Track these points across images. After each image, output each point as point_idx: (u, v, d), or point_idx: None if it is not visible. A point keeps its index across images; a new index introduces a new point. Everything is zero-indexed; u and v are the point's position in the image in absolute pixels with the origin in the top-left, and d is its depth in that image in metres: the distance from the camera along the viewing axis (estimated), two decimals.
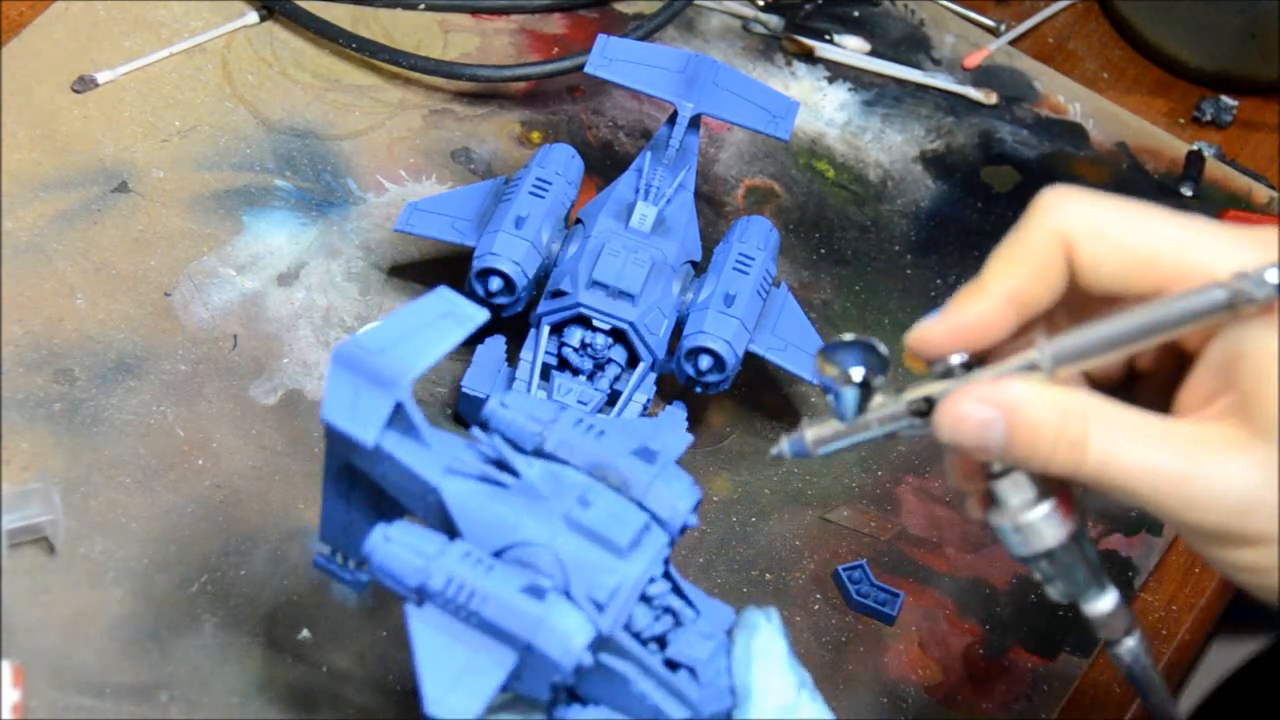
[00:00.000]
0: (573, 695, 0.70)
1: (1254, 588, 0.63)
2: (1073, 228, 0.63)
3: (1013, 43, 1.08)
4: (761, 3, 1.06)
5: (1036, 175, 1.02)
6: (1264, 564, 0.61)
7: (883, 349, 0.64)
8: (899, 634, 0.86)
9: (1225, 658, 1.18)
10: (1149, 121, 1.06)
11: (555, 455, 0.70)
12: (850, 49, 1.06)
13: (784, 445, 0.67)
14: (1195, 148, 1.05)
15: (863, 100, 1.04)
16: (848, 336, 0.64)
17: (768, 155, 1.01)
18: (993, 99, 1.05)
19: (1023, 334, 0.64)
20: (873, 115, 1.03)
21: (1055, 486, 0.64)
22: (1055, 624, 0.87)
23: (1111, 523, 0.90)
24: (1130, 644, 0.66)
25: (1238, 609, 0.95)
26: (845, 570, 0.86)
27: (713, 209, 0.98)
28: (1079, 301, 0.64)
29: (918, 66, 1.06)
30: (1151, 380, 0.67)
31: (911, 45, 1.07)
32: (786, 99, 0.91)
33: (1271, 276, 0.59)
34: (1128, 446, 0.61)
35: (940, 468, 0.91)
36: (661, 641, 0.70)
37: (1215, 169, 1.05)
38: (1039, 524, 0.64)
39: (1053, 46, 1.10)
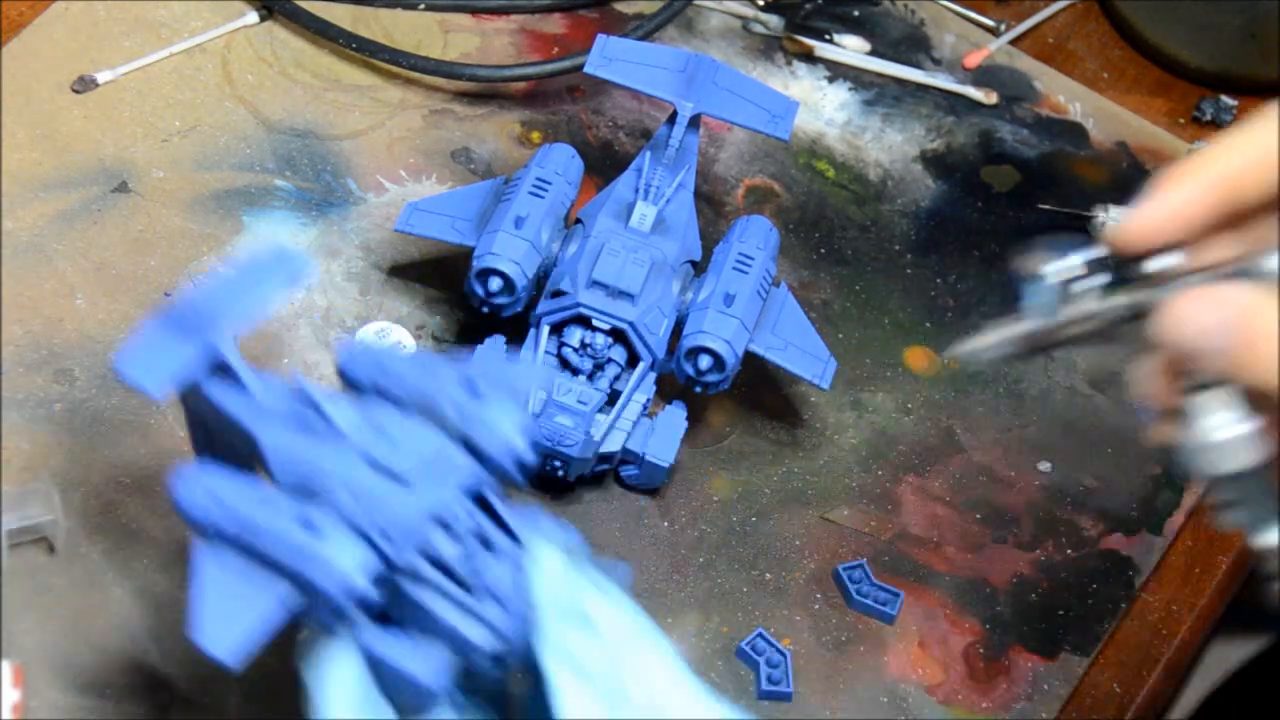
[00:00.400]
0: (387, 620, 0.70)
1: None
2: None
3: (1013, 43, 1.08)
4: (761, 3, 1.06)
5: (1036, 175, 1.02)
6: None
7: (1107, 252, 0.61)
8: (899, 634, 0.86)
9: (1225, 658, 1.18)
10: (1149, 121, 1.06)
11: (388, 391, 0.72)
12: (850, 49, 1.06)
13: (965, 347, 0.64)
14: (1195, 147, 1.05)
15: (863, 100, 1.04)
16: (1055, 236, 0.62)
17: (768, 155, 1.01)
18: (993, 99, 1.05)
19: (1225, 231, 0.61)
20: (873, 115, 1.03)
21: (1263, 410, 0.61)
22: (1055, 624, 0.87)
23: (1111, 522, 0.90)
24: None
25: (1238, 609, 0.95)
26: (845, 570, 0.86)
27: (713, 209, 0.98)
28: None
29: (918, 66, 1.06)
30: None
31: (911, 45, 1.07)
32: (786, 99, 0.91)
33: None
34: None
35: (940, 467, 0.91)
36: (472, 570, 0.70)
37: None
38: (1236, 443, 0.61)
39: (1053, 46, 1.10)
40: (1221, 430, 0.61)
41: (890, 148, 1.02)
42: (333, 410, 0.70)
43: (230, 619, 0.66)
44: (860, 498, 0.89)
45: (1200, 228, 0.61)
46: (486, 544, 0.70)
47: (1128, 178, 1.03)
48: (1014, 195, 1.01)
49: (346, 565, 0.67)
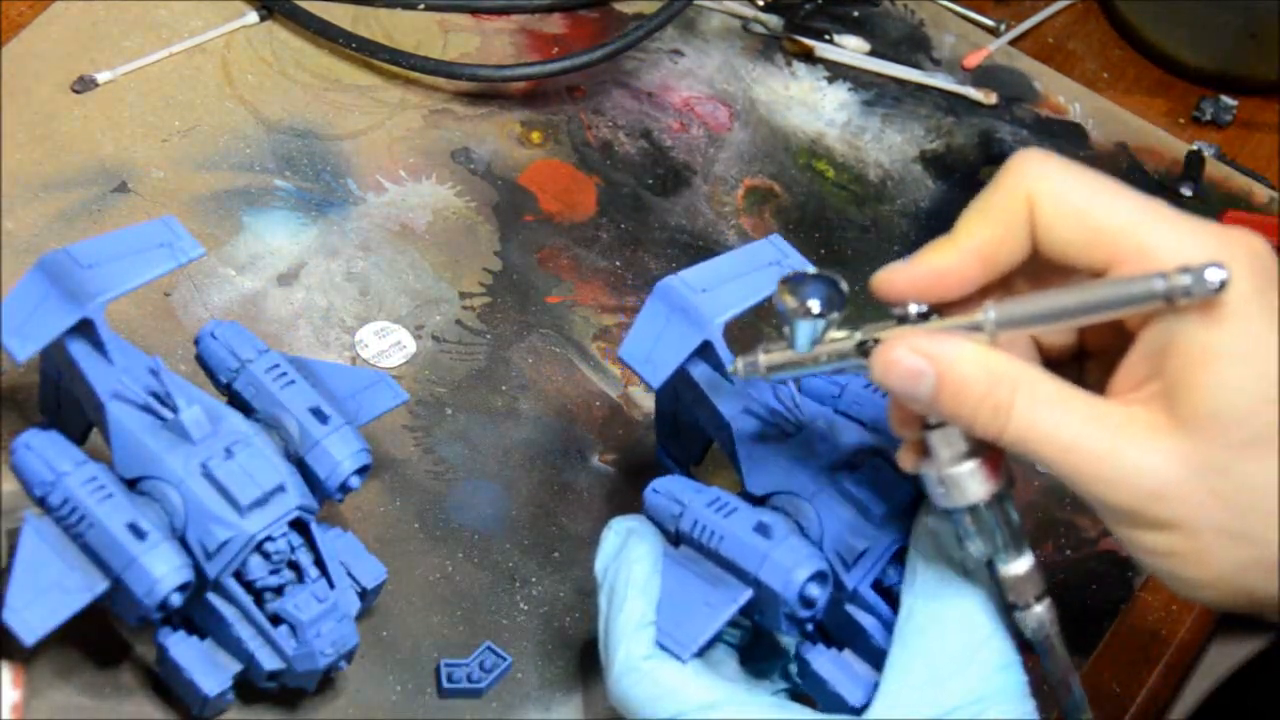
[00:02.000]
0: (188, 624, 0.74)
1: (1159, 572, 0.64)
2: (1036, 189, 0.64)
3: (1013, 43, 1.08)
4: (761, 3, 1.06)
5: None
6: (1169, 549, 0.62)
7: (844, 286, 0.66)
8: None
9: (1225, 658, 1.18)
10: (1149, 121, 1.06)
11: (241, 395, 0.76)
12: (850, 49, 1.06)
13: (739, 364, 0.70)
14: (1195, 148, 1.05)
15: (863, 100, 1.04)
16: (811, 270, 0.67)
17: (768, 155, 1.01)
18: (993, 99, 1.05)
19: (990, 293, 0.65)
20: (873, 115, 1.03)
21: (987, 447, 0.65)
22: None
23: None
24: (1038, 611, 0.68)
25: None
26: None
27: (713, 209, 0.98)
28: (1042, 272, 0.65)
29: (918, 66, 1.06)
30: (1100, 358, 0.67)
31: (911, 45, 1.07)
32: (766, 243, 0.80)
33: (1213, 276, 0.59)
34: (1050, 418, 0.62)
35: None
36: (280, 593, 0.73)
37: (1215, 169, 1.05)
38: (963, 478, 0.65)
39: (1053, 46, 1.10)
40: (949, 466, 0.65)
41: (890, 148, 1.02)
42: (185, 413, 0.73)
43: (39, 599, 0.69)
44: None
45: (961, 291, 0.65)
46: (299, 571, 0.74)
47: (1128, 178, 1.03)
48: None
49: (160, 573, 0.70)
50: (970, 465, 0.65)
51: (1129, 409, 0.62)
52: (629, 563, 0.72)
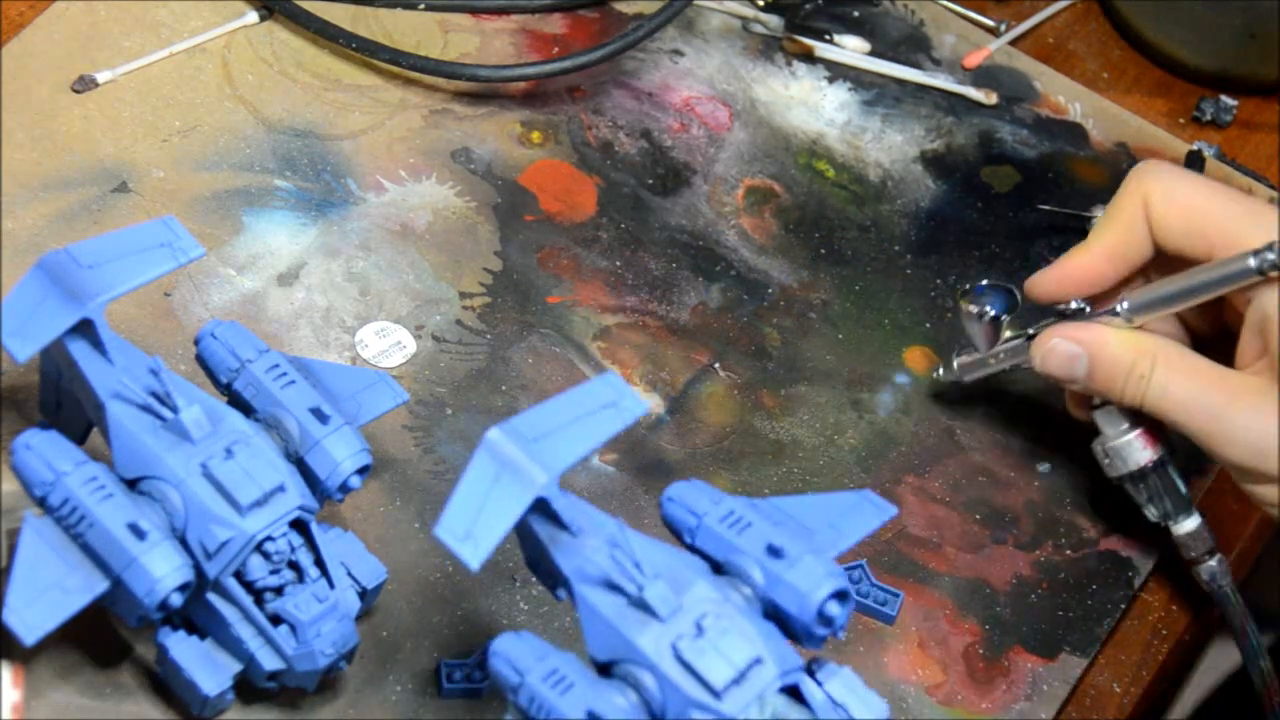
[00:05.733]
0: (188, 624, 0.74)
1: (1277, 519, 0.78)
2: (1150, 191, 0.76)
3: (1013, 43, 1.08)
4: (761, 3, 1.06)
5: (1036, 175, 1.02)
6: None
7: (1017, 293, 0.81)
8: (899, 634, 0.85)
9: (1225, 658, 1.18)
10: (1149, 121, 1.06)
11: (241, 395, 0.76)
12: (850, 49, 1.06)
13: (939, 369, 0.87)
14: (1195, 148, 1.05)
15: (863, 100, 1.04)
16: (986, 281, 0.82)
17: (768, 155, 1.01)
18: (993, 99, 1.05)
19: (1130, 284, 0.79)
20: (873, 115, 1.03)
21: (1145, 420, 0.79)
22: (1055, 624, 0.87)
23: (1111, 523, 0.90)
24: (1211, 564, 0.82)
25: None
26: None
27: (713, 209, 0.98)
28: (1173, 266, 0.77)
29: (918, 66, 1.06)
30: (1206, 339, 0.81)
31: (911, 45, 1.07)
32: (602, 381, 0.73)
33: None
34: (1180, 385, 0.75)
35: (940, 467, 0.91)
36: (280, 593, 0.73)
37: (1215, 169, 1.05)
38: (1124, 447, 0.80)
39: (1053, 46, 1.10)
40: (1112, 439, 0.80)
41: (890, 148, 1.02)
42: (185, 413, 0.72)
43: (39, 599, 0.69)
44: None
45: (1101, 286, 0.79)
46: (299, 570, 0.74)
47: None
48: (1014, 195, 1.01)
49: (160, 573, 0.70)
50: (1130, 436, 0.79)
51: (1244, 377, 0.74)
52: None
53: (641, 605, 0.68)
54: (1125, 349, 0.76)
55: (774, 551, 0.70)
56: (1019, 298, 0.81)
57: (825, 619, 0.70)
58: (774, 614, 0.70)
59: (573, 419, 0.70)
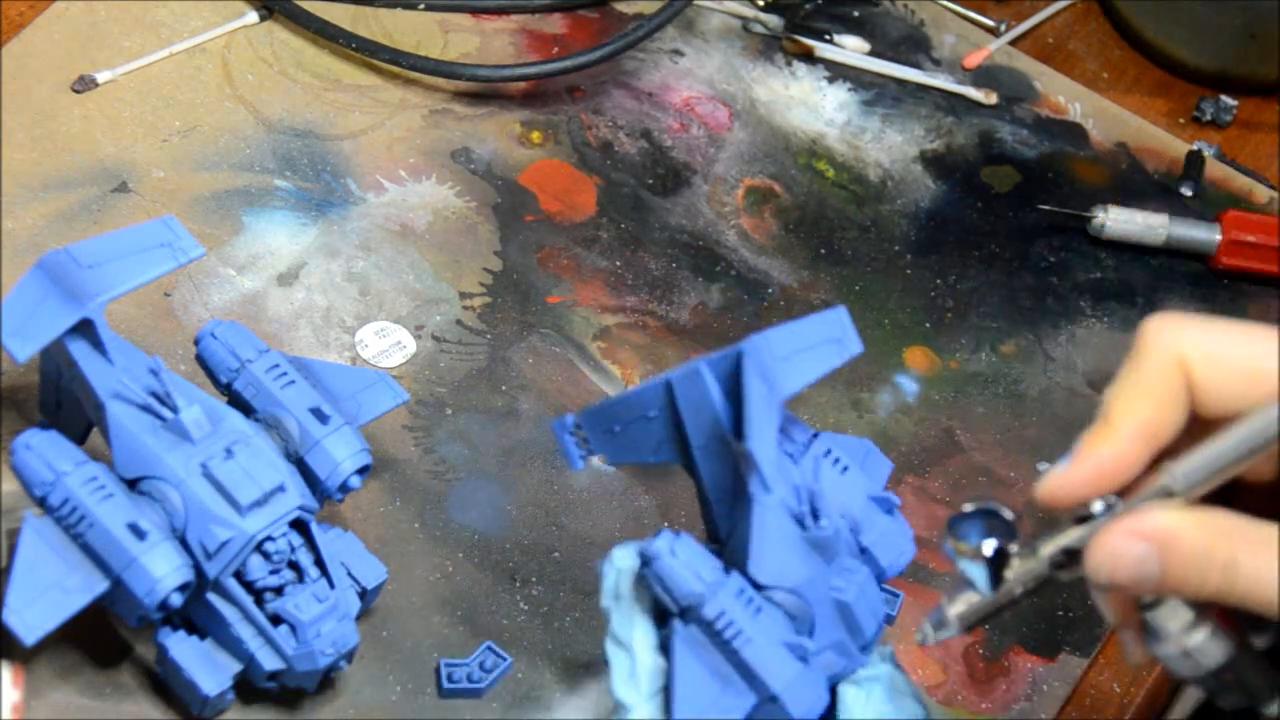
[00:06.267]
0: (188, 624, 0.74)
1: None
2: (1187, 354, 0.63)
3: (1013, 43, 1.08)
4: (761, 3, 1.06)
5: (1036, 175, 1.02)
6: None
7: (1007, 514, 0.63)
8: (899, 634, 0.85)
9: None
10: (1149, 121, 1.06)
11: (241, 395, 0.76)
12: (850, 49, 1.06)
13: (927, 629, 0.66)
14: (1195, 148, 1.05)
15: (863, 100, 1.04)
16: (968, 507, 0.64)
17: (768, 155, 1.01)
18: (993, 99, 1.05)
19: (1152, 469, 0.63)
20: (873, 115, 1.03)
21: (1209, 604, 0.63)
22: (1055, 624, 0.87)
23: None
24: None
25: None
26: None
27: (713, 209, 0.98)
28: (1194, 430, 0.64)
29: (918, 66, 1.06)
30: (1258, 488, 0.66)
31: (911, 45, 1.07)
32: (833, 316, 0.77)
33: None
34: (1271, 565, 0.61)
35: (940, 467, 0.91)
36: (280, 593, 0.74)
37: (1215, 169, 1.05)
38: (1205, 644, 0.64)
39: (1053, 46, 1.10)
40: (1186, 638, 0.63)
41: (890, 148, 1.02)
42: (185, 413, 0.73)
43: (39, 599, 0.70)
44: None
45: (1133, 475, 0.63)
46: (299, 570, 0.74)
47: (1127, 178, 1.03)
48: (1014, 195, 1.01)
49: (160, 573, 0.70)
50: (1206, 630, 0.64)
51: None
52: (633, 649, 0.70)
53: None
54: (1202, 535, 0.61)
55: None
56: (1011, 520, 0.64)
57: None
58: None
59: (806, 347, 0.74)
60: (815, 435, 0.75)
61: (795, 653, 0.69)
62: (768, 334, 0.71)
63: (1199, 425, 0.64)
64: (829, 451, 0.74)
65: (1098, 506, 0.63)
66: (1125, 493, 0.63)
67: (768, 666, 0.68)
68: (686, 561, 0.69)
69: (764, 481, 0.69)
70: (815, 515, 0.71)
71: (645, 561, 0.69)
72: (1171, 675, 0.65)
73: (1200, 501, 0.63)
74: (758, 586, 0.70)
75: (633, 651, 0.69)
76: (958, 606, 0.65)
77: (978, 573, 0.64)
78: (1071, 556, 0.63)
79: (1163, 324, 0.64)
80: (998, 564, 0.64)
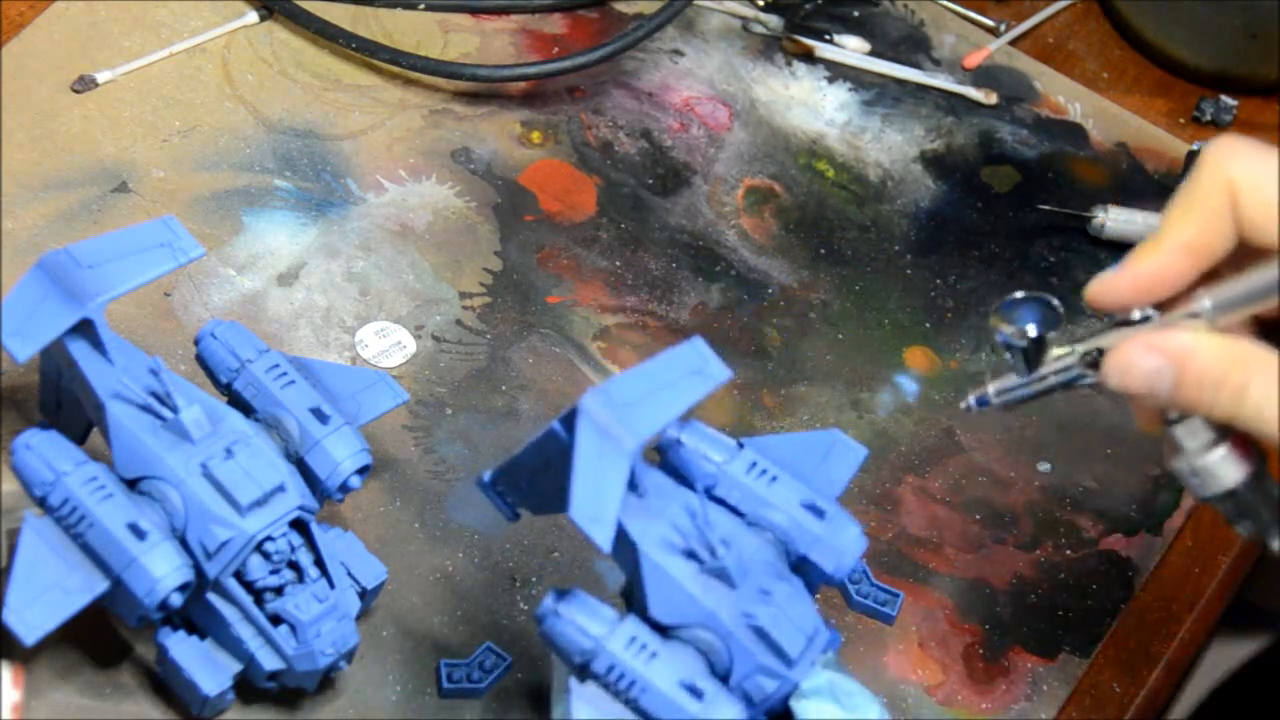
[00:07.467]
0: (188, 624, 0.74)
1: None
2: (1237, 177, 0.65)
3: (1013, 43, 1.08)
4: (761, 3, 1.06)
5: (1036, 175, 1.02)
6: None
7: (1056, 303, 0.67)
8: (899, 634, 0.85)
9: (1225, 658, 1.18)
10: (1149, 121, 1.06)
11: (241, 395, 0.76)
12: (850, 49, 1.06)
13: (970, 399, 0.71)
14: (1195, 148, 1.05)
15: (863, 100, 1.04)
16: (1020, 294, 0.68)
17: (768, 155, 1.01)
18: (993, 99, 1.05)
19: (1202, 285, 0.66)
20: (873, 115, 1.03)
21: (1232, 431, 0.67)
22: (1055, 624, 0.87)
23: (1111, 523, 0.90)
24: None
25: (1238, 609, 0.95)
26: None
27: (713, 209, 0.98)
28: (1244, 258, 0.66)
29: (918, 66, 1.06)
30: None
31: (911, 45, 1.07)
32: (689, 348, 0.74)
33: None
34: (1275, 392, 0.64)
35: (940, 467, 0.91)
36: (280, 593, 0.74)
37: None
38: (1216, 466, 0.67)
39: (1053, 46, 1.10)
40: (1199, 456, 0.68)
41: (890, 148, 1.02)
42: (185, 413, 0.73)
43: (39, 599, 0.70)
44: (860, 498, 0.89)
45: (1177, 288, 0.67)
46: (299, 570, 0.74)
47: (1127, 178, 1.03)
48: (1014, 195, 1.01)
49: (160, 573, 0.70)
50: (1220, 452, 0.67)
51: None
52: None
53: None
54: (1217, 359, 0.65)
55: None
56: (1059, 309, 0.68)
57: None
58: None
59: (662, 385, 0.72)
60: (740, 447, 0.74)
61: (692, 694, 0.68)
62: (610, 382, 0.70)
63: (1250, 253, 0.66)
64: (754, 465, 0.74)
65: (1135, 315, 0.67)
66: (1165, 308, 0.67)
67: (663, 714, 0.68)
68: (571, 620, 0.69)
69: (596, 545, 0.67)
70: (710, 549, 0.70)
71: (538, 622, 0.70)
72: (1191, 494, 0.70)
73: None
74: (664, 628, 0.70)
75: None
76: (999, 383, 0.71)
77: (1019, 354, 0.69)
78: (1102, 355, 0.67)
79: (1223, 147, 0.66)
80: (1038, 349, 0.68)
